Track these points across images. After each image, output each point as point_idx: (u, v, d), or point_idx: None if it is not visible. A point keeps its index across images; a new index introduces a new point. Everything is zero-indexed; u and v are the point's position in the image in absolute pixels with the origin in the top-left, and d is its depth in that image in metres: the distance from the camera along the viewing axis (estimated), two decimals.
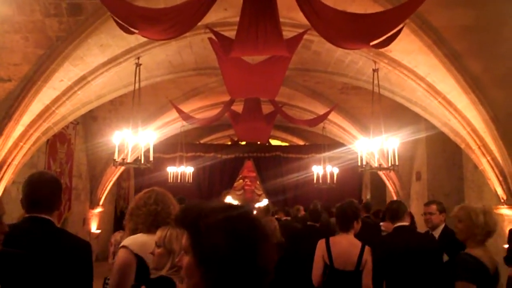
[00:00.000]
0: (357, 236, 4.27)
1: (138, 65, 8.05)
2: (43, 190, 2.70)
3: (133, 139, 8.17)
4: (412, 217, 6.47)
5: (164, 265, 2.65)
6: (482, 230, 3.15)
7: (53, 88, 7.52)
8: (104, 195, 13.29)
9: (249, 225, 1.32)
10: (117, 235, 6.39)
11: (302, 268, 4.75)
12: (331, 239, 4.22)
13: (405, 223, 4.49)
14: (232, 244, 1.26)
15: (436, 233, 5.14)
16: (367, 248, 4.08)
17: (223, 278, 1.26)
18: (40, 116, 7.71)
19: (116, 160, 8.01)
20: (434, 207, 5.24)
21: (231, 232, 1.28)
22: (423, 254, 4.23)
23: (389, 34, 5.57)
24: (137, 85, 8.23)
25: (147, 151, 8.39)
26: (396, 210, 4.46)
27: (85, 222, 12.92)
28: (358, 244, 4.11)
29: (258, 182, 19.70)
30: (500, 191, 7.97)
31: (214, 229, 1.29)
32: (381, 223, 8.03)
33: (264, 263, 1.30)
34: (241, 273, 1.26)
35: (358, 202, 4.48)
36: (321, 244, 4.21)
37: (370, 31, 5.45)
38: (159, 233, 2.76)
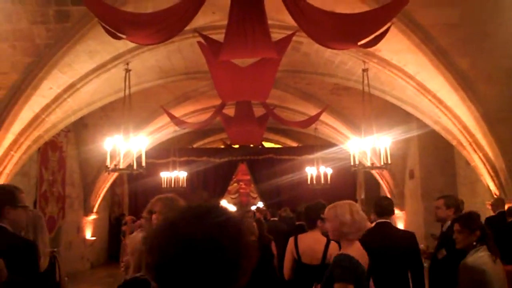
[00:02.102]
0: None
1: (127, 70, 8.04)
2: None
3: (124, 145, 8.14)
4: None
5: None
6: (351, 228, 3.12)
7: (43, 96, 7.49)
8: (98, 202, 13.23)
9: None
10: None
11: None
12: (299, 236, 4.58)
13: (388, 220, 4.67)
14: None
15: (445, 228, 5.23)
16: (332, 243, 4.28)
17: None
18: (30, 124, 7.68)
19: (108, 166, 7.97)
20: (441, 201, 5.35)
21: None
22: (397, 250, 4.37)
23: (376, 34, 5.59)
24: (127, 91, 8.20)
25: (140, 156, 8.36)
26: (387, 206, 4.66)
27: (79, 229, 12.86)
28: (323, 240, 4.39)
29: (252, 185, 19.67)
30: (492, 186, 8.01)
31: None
32: None
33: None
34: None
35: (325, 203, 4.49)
36: (290, 241, 4.59)
37: (357, 31, 5.47)
38: None
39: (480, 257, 3.63)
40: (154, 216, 3.33)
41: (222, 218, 1.33)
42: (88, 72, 7.72)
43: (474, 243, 3.71)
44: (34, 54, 6.90)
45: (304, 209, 4.74)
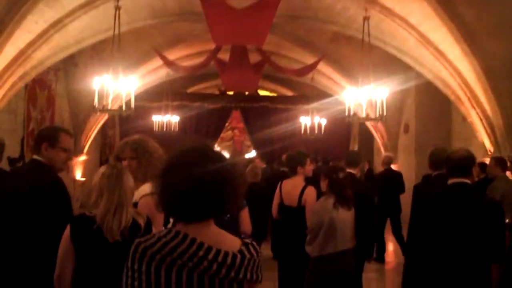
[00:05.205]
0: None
1: (117, 8, 7.65)
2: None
3: (113, 85, 7.89)
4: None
5: None
6: None
7: (28, 31, 7.16)
8: (88, 143, 13.06)
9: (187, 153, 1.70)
10: None
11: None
12: (284, 182, 5.26)
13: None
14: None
15: None
16: (308, 188, 4.97)
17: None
18: (15, 60, 7.39)
19: (96, 106, 7.78)
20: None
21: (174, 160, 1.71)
22: (475, 224, 3.51)
23: None
24: (116, 29, 7.85)
25: (130, 99, 8.14)
26: (465, 163, 3.47)
27: (69, 170, 12.75)
28: (301, 185, 5.03)
29: (247, 133, 19.53)
30: (487, 144, 7.91)
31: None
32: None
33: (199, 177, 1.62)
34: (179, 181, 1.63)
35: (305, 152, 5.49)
36: (278, 185, 5.30)
37: None
38: None
39: (326, 203, 4.42)
40: (124, 163, 3.17)
41: (221, 158, 1.70)
42: (76, 7, 7.34)
43: (324, 190, 4.55)
44: None
45: (286, 157, 5.55)
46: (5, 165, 7.35)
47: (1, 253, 3.03)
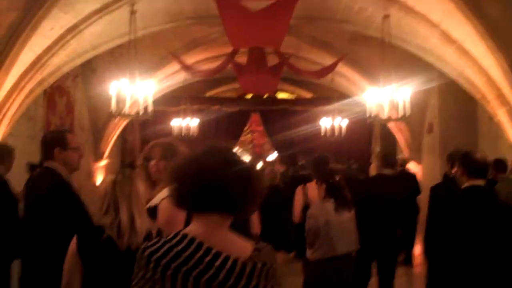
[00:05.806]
0: None
1: (133, 12, 7.60)
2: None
3: (131, 90, 7.85)
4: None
5: None
6: None
7: (44, 37, 7.13)
8: (109, 148, 13.09)
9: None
10: None
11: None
12: (308, 184, 5.16)
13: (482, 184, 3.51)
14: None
15: None
16: None
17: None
18: (32, 66, 7.35)
19: (113, 111, 7.76)
20: None
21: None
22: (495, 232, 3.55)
23: None
24: (132, 34, 7.80)
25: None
26: (481, 163, 3.53)
27: (90, 175, 12.77)
28: None
29: (266, 136, 19.39)
30: None
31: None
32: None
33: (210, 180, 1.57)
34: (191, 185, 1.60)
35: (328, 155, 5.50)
36: (299, 189, 5.20)
37: None
38: None
39: (324, 207, 4.44)
40: (152, 163, 3.12)
41: (236, 157, 1.64)
42: (91, 12, 7.28)
43: (323, 195, 4.55)
44: None
45: (312, 161, 5.60)
46: (23, 172, 7.35)
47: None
